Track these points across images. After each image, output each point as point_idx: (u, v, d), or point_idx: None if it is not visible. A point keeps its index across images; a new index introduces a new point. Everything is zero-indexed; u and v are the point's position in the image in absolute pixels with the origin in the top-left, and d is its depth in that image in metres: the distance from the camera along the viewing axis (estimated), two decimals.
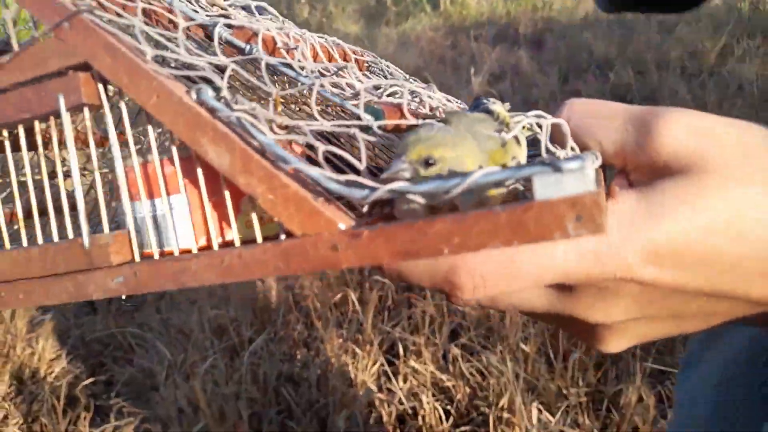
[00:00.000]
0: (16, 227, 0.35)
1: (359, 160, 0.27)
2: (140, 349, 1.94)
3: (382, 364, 1.73)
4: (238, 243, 0.29)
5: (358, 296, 1.92)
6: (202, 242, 0.30)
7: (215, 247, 0.29)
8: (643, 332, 0.32)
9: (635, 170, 0.31)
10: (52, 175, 0.43)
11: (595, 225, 0.21)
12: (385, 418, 1.59)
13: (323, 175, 0.25)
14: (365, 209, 0.26)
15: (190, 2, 0.40)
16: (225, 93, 0.28)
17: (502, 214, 0.22)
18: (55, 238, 0.32)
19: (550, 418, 1.49)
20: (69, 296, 0.31)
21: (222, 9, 0.42)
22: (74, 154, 0.31)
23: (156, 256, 0.30)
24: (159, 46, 0.31)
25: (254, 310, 2.01)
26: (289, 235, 0.26)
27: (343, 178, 0.25)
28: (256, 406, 1.66)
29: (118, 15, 0.32)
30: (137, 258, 0.31)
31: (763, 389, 0.47)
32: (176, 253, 0.30)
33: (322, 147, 0.26)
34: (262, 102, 0.36)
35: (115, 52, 0.29)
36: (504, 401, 1.53)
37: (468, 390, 1.64)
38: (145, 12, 0.36)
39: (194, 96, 0.28)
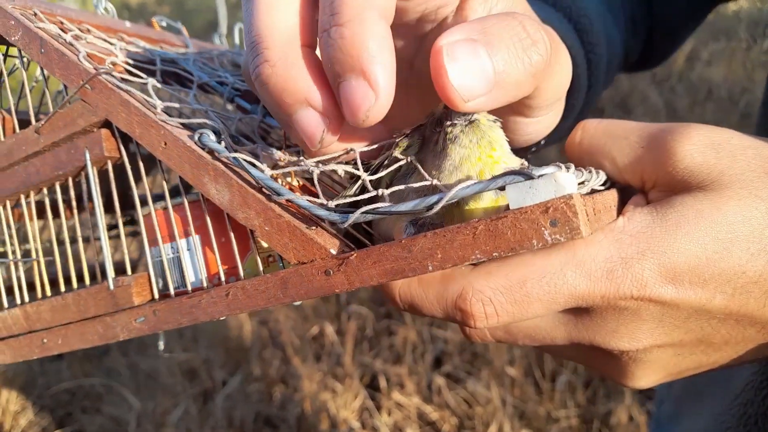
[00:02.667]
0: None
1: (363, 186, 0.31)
2: (109, 397, 1.94)
3: (364, 399, 1.76)
4: (242, 277, 0.33)
5: (336, 328, 1.95)
6: (216, 280, 0.35)
7: (223, 282, 0.34)
8: (673, 363, 0.31)
9: (653, 188, 0.32)
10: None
11: (571, 229, 0.22)
12: None
13: (311, 202, 0.29)
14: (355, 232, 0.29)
15: (205, 65, 0.46)
16: (225, 137, 0.33)
17: (480, 225, 0.24)
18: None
19: None
20: (100, 338, 0.36)
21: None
22: (99, 203, 0.36)
23: (172, 294, 0.35)
24: (172, 100, 0.37)
25: (227, 349, 2.03)
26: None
27: (332, 203, 0.28)
28: None
29: (135, 75, 0.37)
30: (156, 297, 0.35)
31: None
32: (189, 291, 0.34)
33: (316, 170, 0.30)
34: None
35: (129, 107, 0.34)
36: (493, 429, 1.57)
37: (455, 420, 1.68)
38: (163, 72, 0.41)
39: (197, 139, 0.32)
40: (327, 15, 0.27)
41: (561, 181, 0.23)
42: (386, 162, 0.32)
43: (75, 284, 0.38)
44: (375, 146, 0.33)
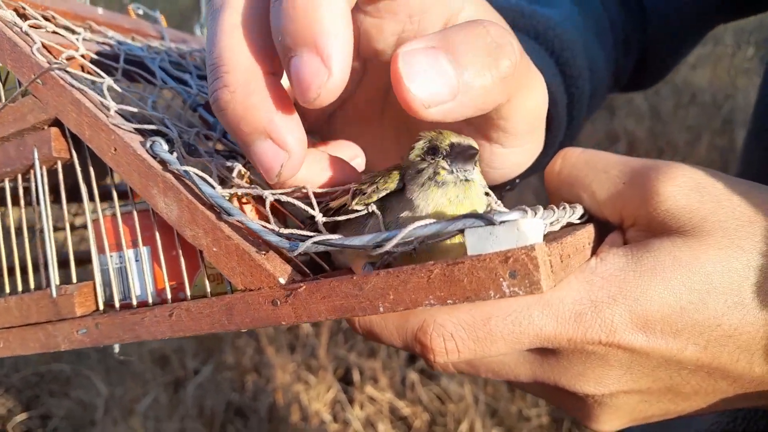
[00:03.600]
0: None
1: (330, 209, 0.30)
2: (77, 381, 1.90)
3: (336, 392, 1.75)
4: (189, 296, 0.31)
5: None
6: (164, 295, 0.33)
7: (169, 300, 0.32)
8: (639, 409, 0.31)
9: (632, 227, 0.30)
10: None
11: (531, 283, 0.21)
12: None
13: (263, 227, 0.27)
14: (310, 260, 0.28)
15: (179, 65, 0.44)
16: (179, 147, 0.31)
17: (435, 269, 0.22)
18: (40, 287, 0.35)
19: None
20: (41, 346, 0.34)
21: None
22: (46, 207, 0.34)
23: (117, 306, 0.33)
24: (130, 103, 0.34)
25: (199, 338, 2.00)
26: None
27: (286, 231, 0.27)
28: None
29: (94, 73, 0.35)
30: (101, 308, 0.33)
31: None
32: (135, 305, 0.32)
33: (270, 197, 0.28)
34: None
35: (80, 107, 0.32)
36: (464, 427, 1.57)
37: (427, 416, 1.68)
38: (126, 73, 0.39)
39: (148, 147, 0.30)
40: None
41: (524, 229, 0.22)
42: (344, 208, 0.30)
43: (19, 281, 0.35)
44: (334, 189, 0.31)
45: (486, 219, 0.22)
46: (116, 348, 0.44)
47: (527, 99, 0.31)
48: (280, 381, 1.80)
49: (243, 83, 0.26)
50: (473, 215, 0.23)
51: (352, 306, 0.24)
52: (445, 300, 0.22)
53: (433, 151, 0.30)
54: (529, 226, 0.22)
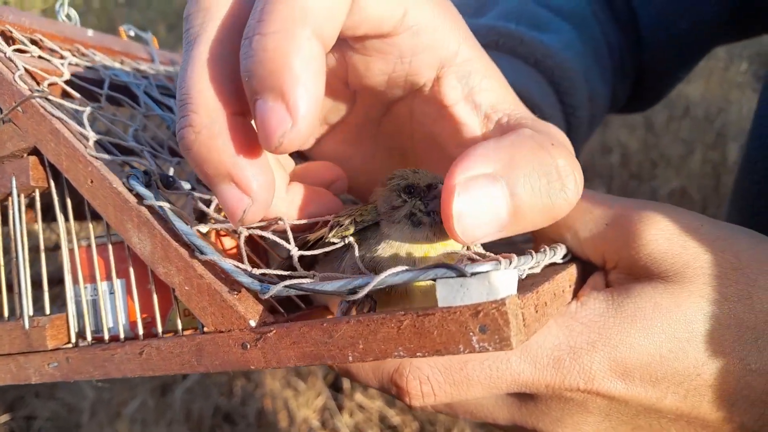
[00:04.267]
0: None
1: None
2: (64, 383, 1.89)
3: (326, 399, 1.74)
4: (160, 333, 0.31)
5: None
6: (137, 329, 0.32)
7: (141, 335, 0.31)
8: None
9: (614, 269, 0.30)
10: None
11: (501, 338, 0.20)
12: None
13: (235, 267, 0.26)
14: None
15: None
16: (155, 179, 0.30)
17: (406, 320, 0.22)
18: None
19: None
20: (12, 378, 0.33)
21: None
22: (22, 236, 0.33)
23: (89, 339, 0.32)
24: (109, 134, 0.34)
25: None
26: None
27: (257, 271, 0.26)
28: None
29: (77, 99, 0.34)
30: (73, 341, 0.33)
31: None
32: (107, 338, 0.32)
33: (245, 231, 0.28)
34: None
35: (59, 137, 0.32)
36: None
37: (416, 425, 1.68)
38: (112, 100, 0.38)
39: (125, 181, 0.30)
40: (253, 20, 0.24)
41: (495, 282, 0.21)
42: (322, 240, 0.30)
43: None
44: (315, 220, 0.31)
45: (457, 270, 0.22)
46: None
47: None
48: (269, 387, 1.79)
49: (208, 124, 0.25)
50: (445, 265, 0.22)
51: (321, 354, 0.24)
52: (414, 352, 0.22)
53: (409, 190, 0.30)
54: (501, 279, 0.21)
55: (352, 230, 0.30)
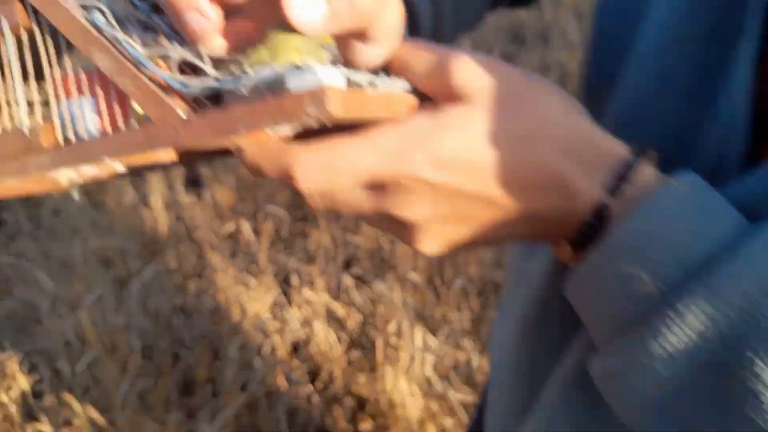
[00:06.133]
0: None
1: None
2: (19, 280, 1.94)
3: (276, 294, 1.85)
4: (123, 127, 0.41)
5: (253, 227, 2.01)
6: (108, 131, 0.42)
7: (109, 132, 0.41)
8: (447, 234, 0.39)
9: (437, 97, 0.39)
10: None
11: (324, 110, 0.30)
12: (278, 346, 1.72)
13: (168, 75, 0.36)
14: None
15: None
16: (110, 19, 0.39)
17: (271, 100, 0.32)
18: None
19: (434, 341, 1.68)
20: (16, 170, 0.42)
21: None
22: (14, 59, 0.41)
23: (73, 141, 0.41)
24: None
25: (142, 242, 2.05)
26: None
27: (182, 78, 0.36)
28: (147, 338, 1.73)
29: None
30: (61, 142, 0.42)
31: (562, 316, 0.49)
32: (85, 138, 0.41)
33: (176, 55, 0.37)
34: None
35: None
36: (392, 327, 1.70)
37: (359, 317, 1.81)
38: None
39: (88, 18, 0.39)
40: None
41: (322, 75, 0.31)
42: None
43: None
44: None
45: (299, 67, 0.32)
46: (75, 195, 0.52)
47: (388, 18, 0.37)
48: (222, 284, 1.88)
49: None
50: (294, 65, 0.32)
51: (226, 128, 0.33)
52: (277, 121, 0.32)
53: None
54: (329, 74, 0.31)
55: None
